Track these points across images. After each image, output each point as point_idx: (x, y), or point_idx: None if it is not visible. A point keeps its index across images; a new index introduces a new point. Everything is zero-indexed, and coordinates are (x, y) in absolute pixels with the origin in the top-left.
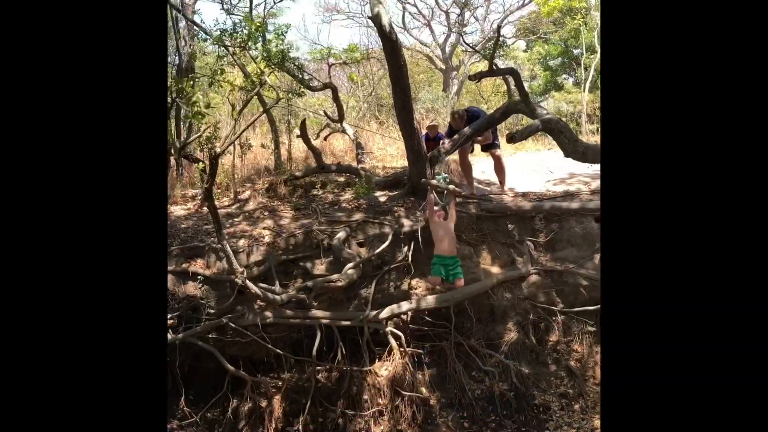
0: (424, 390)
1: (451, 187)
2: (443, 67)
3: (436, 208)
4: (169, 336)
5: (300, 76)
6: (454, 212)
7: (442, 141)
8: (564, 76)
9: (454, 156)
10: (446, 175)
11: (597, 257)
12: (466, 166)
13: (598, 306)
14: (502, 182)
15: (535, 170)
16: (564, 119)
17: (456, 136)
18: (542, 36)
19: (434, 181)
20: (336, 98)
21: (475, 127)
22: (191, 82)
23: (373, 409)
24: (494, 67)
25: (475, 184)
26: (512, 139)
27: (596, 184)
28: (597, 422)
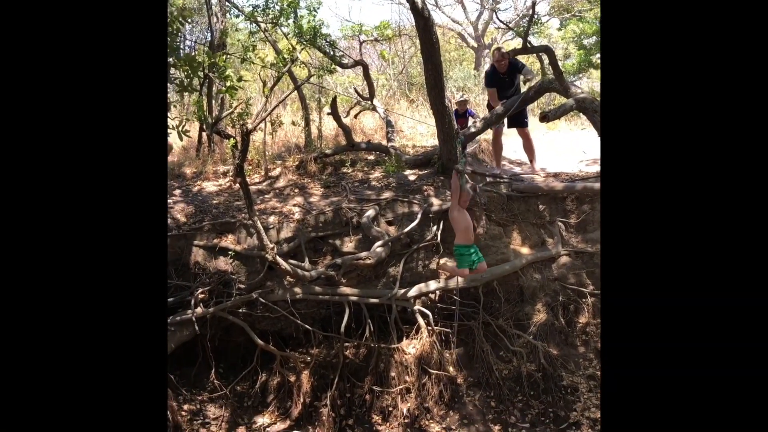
0: (451, 369)
1: (460, 167)
2: (475, 45)
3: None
4: (200, 309)
5: (331, 53)
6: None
7: (473, 119)
8: (599, 55)
9: (486, 135)
10: (465, 158)
11: None
12: (498, 146)
13: None
14: (532, 160)
15: (568, 150)
16: (598, 99)
17: (487, 115)
18: (577, 14)
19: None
20: (367, 76)
21: (508, 106)
22: (224, 57)
23: (400, 386)
24: (528, 44)
25: (507, 164)
26: (545, 118)
27: None
28: None
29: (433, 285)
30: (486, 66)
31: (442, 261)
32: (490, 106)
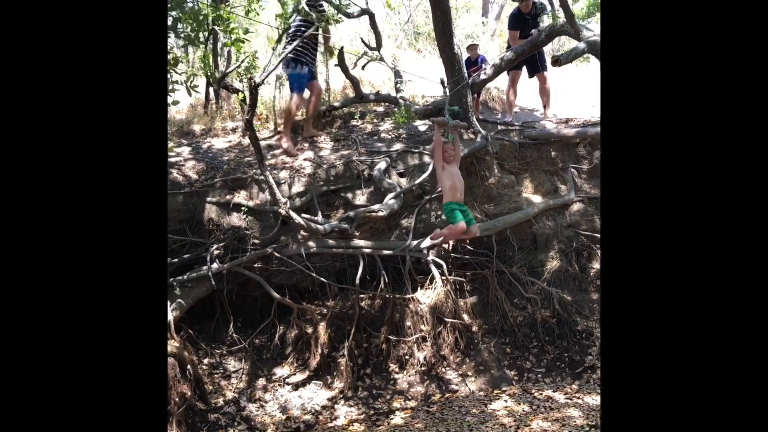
0: (466, 317)
1: (440, 119)
2: None
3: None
4: (216, 265)
5: (337, 2)
6: (459, 151)
7: (483, 64)
8: None
9: (496, 83)
10: (456, 107)
11: None
12: (512, 92)
13: None
14: (545, 105)
15: (580, 95)
16: None
17: (497, 61)
18: None
19: (441, 119)
20: (374, 25)
21: (518, 50)
22: (228, 10)
23: (416, 336)
24: None
25: (518, 110)
26: (557, 62)
27: None
28: None
29: None
30: (493, 13)
31: (429, 236)
32: (519, 16)
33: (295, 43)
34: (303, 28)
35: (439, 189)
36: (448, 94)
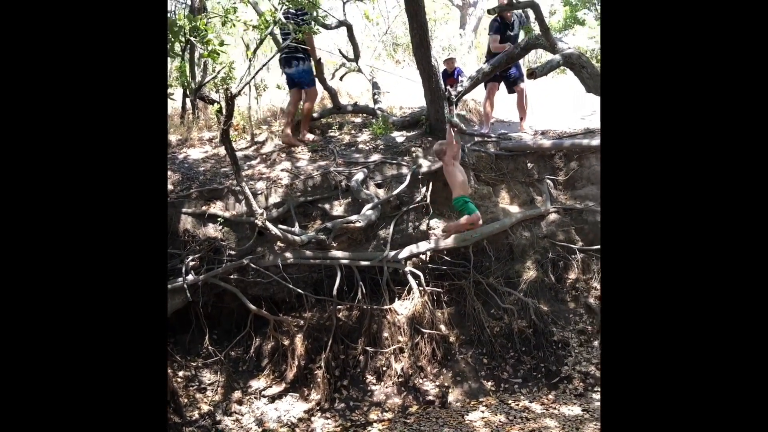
0: (443, 327)
1: (456, 120)
2: (460, 3)
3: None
4: (191, 277)
5: (314, 13)
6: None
7: (460, 76)
8: (584, 11)
9: (472, 95)
10: (452, 111)
11: None
12: (489, 104)
13: None
14: (522, 118)
15: (556, 107)
16: (587, 55)
17: (474, 73)
18: None
19: (455, 120)
20: (351, 36)
21: (495, 63)
22: (205, 21)
23: (394, 347)
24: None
25: (495, 122)
26: (533, 74)
27: None
28: None
29: (423, 246)
30: (471, 25)
31: (441, 228)
32: (490, 53)
33: (275, 52)
34: (289, 34)
35: (421, 199)
36: (449, 98)
